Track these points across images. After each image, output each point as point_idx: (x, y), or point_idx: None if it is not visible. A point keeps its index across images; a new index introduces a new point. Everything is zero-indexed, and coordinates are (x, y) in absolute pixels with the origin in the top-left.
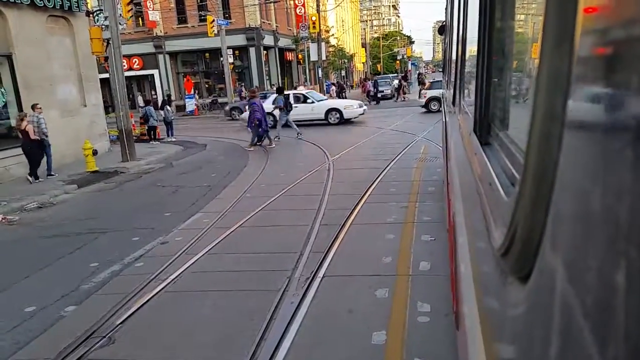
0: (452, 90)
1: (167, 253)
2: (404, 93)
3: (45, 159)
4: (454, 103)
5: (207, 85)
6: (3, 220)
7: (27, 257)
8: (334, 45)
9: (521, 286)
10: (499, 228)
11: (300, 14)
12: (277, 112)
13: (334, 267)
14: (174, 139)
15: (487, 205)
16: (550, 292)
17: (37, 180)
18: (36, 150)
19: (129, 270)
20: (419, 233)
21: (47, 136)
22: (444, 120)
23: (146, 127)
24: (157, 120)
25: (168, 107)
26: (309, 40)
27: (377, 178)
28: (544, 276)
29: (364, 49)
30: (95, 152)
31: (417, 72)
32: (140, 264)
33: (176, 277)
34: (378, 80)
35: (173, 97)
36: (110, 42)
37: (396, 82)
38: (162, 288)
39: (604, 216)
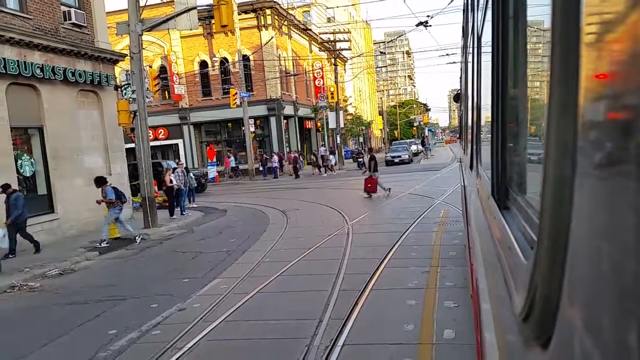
0: (469, 156)
1: (184, 320)
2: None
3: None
4: (471, 168)
5: (228, 153)
6: (24, 287)
7: (46, 324)
8: (351, 114)
9: (543, 353)
10: (519, 293)
11: (319, 85)
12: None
13: (355, 335)
14: (195, 205)
15: (507, 269)
16: (571, 358)
17: (172, 217)
18: (172, 194)
19: (146, 338)
20: (441, 299)
21: (185, 185)
22: (462, 184)
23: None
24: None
25: (192, 175)
26: (328, 110)
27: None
28: (565, 341)
29: (381, 116)
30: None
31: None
32: (158, 331)
33: (192, 345)
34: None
35: (196, 165)
36: (137, 114)
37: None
38: (178, 358)
39: (616, 276)
